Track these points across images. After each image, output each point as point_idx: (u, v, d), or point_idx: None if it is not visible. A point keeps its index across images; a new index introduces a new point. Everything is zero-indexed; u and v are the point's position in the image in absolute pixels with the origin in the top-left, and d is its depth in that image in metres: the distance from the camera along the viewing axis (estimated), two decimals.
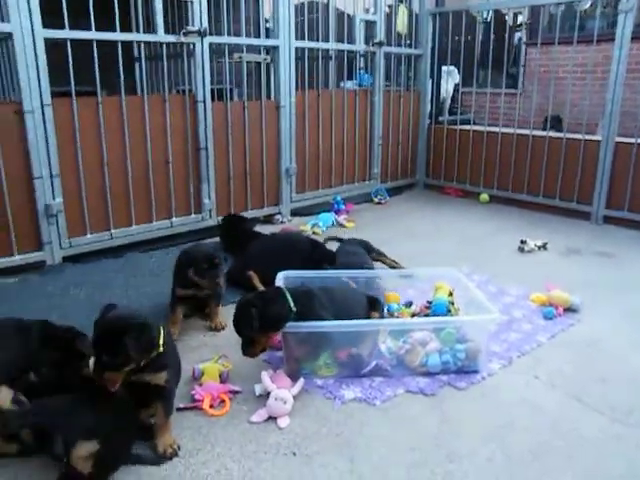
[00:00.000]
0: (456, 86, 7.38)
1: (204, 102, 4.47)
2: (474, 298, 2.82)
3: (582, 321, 3.14)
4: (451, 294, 2.95)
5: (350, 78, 6.36)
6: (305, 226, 4.84)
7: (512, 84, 9.69)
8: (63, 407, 1.90)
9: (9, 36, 3.55)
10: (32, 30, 3.59)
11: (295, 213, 5.31)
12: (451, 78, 7.10)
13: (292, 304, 2.39)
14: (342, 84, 6.38)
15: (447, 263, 3.64)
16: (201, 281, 2.88)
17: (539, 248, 4.38)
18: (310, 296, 2.48)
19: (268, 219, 4.96)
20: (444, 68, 6.70)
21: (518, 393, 2.44)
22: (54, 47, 3.78)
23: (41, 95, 3.69)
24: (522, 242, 4.37)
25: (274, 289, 2.54)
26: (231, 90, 5.47)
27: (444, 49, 6.42)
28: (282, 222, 5.00)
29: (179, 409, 2.25)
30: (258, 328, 2.33)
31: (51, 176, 3.81)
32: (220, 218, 4.58)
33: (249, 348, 2.40)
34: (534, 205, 5.64)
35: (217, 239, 4.46)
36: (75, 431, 1.79)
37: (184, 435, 2.12)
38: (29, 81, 3.63)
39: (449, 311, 2.88)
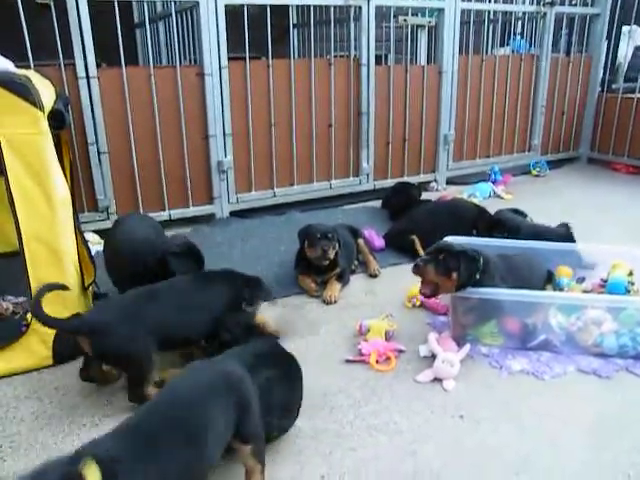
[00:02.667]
0: (637, 50, 6.64)
1: (367, 66, 4.49)
2: None
3: None
4: (631, 273, 2.74)
5: (505, 44, 6.00)
6: (461, 195, 4.72)
7: None
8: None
9: (196, 5, 3.81)
10: None
11: (450, 182, 5.20)
12: (632, 40, 6.38)
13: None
14: (499, 51, 6.01)
15: (615, 242, 3.36)
16: (312, 252, 2.97)
17: None
18: (487, 263, 2.42)
19: (424, 186, 4.91)
20: (625, 28, 6.06)
21: None
22: (228, 14, 4.00)
23: (220, 58, 3.94)
24: None
25: (475, 251, 2.41)
26: (386, 56, 5.44)
27: (629, 5, 5.77)
28: (437, 190, 4.92)
29: (347, 360, 2.36)
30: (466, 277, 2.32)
31: (224, 135, 4.08)
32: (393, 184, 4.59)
33: (431, 272, 2.34)
34: None
35: (373, 203, 4.50)
36: None
37: (353, 385, 2.21)
38: (210, 45, 3.88)
39: (628, 291, 2.68)
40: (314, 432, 1.97)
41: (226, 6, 3.89)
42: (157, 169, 3.93)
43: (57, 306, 2.07)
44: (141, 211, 3.91)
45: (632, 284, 2.71)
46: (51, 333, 2.29)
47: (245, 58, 4.07)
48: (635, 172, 5.70)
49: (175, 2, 3.90)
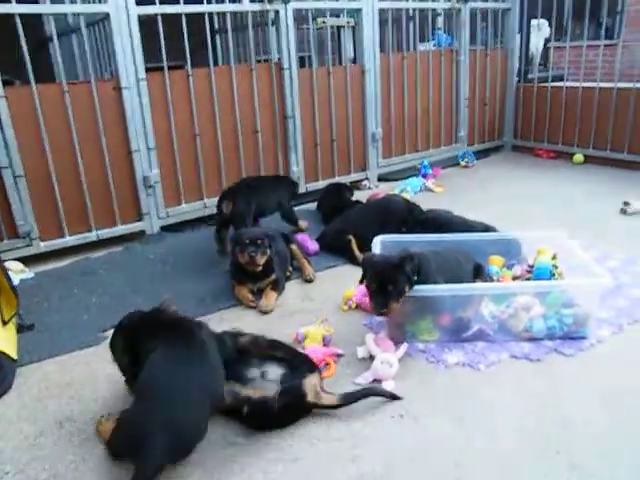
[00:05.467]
0: (546, 41, 6.94)
1: (290, 69, 4.48)
2: (578, 262, 2.69)
3: None
4: (554, 257, 2.84)
5: (427, 40, 6.13)
6: (393, 192, 4.78)
7: (606, 35, 8.97)
8: None
9: (107, 16, 3.69)
10: (127, 9, 3.71)
11: (382, 179, 5.26)
12: (541, 32, 6.68)
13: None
14: (420, 46, 6.13)
15: (541, 227, 3.50)
16: (242, 257, 2.94)
17: None
18: (426, 260, 2.45)
19: (355, 185, 4.94)
20: (533, 22, 6.32)
21: (633, 362, 2.32)
22: (143, 24, 3.89)
23: (136, 70, 3.83)
24: (625, 204, 4.11)
25: (409, 252, 2.41)
26: (309, 57, 5.44)
27: (533, 1, 6.02)
28: (369, 188, 4.97)
29: None
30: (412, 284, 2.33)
31: (148, 149, 3.97)
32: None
33: (389, 302, 2.32)
34: (636, 164, 5.28)
35: (306, 206, 4.50)
36: None
37: None
38: (125, 58, 3.78)
39: (553, 275, 2.77)
40: (256, 448, 1.93)
41: (139, 16, 3.79)
42: (79, 189, 3.78)
43: None
44: (66, 233, 3.76)
45: (556, 267, 2.81)
46: None
47: (165, 68, 3.98)
48: (555, 157, 5.96)
49: (83, 14, 3.75)
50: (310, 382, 2.02)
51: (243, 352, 2.13)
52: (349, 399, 2.06)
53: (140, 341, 1.99)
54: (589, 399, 2.10)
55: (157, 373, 1.85)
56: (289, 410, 1.98)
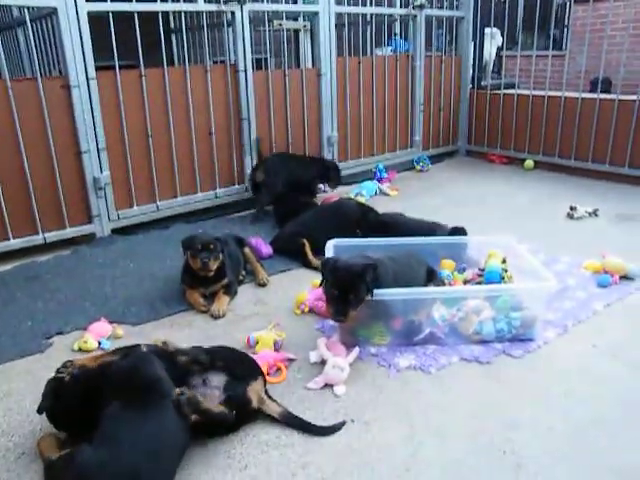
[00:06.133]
0: (499, 50, 7.12)
1: (245, 72, 4.44)
2: (527, 265, 2.76)
3: None
4: (504, 261, 2.90)
5: (385, 44, 6.20)
6: (348, 195, 4.80)
7: (554, 46, 9.30)
8: None
9: (54, 11, 3.57)
10: (75, 4, 3.61)
11: None
12: (494, 41, 6.84)
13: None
14: (378, 51, 6.21)
15: (493, 231, 3.57)
16: (194, 263, 2.91)
17: (590, 215, 4.25)
18: (384, 267, 2.45)
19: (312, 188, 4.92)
20: (487, 30, 6.47)
21: (577, 362, 2.39)
22: (95, 22, 3.79)
23: (86, 69, 3.73)
24: (571, 208, 4.25)
25: (370, 261, 2.41)
26: (266, 60, 5.42)
27: (487, 10, 6.18)
28: (325, 191, 4.96)
29: None
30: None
31: (98, 149, 3.86)
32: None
33: (348, 310, 2.32)
34: (582, 171, 5.46)
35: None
36: None
37: None
38: (74, 55, 3.67)
39: (502, 278, 2.83)
40: (205, 457, 1.89)
41: (89, 13, 3.69)
42: (25, 190, 3.64)
43: None
44: (10, 236, 3.62)
45: (506, 271, 2.87)
46: None
47: (118, 67, 3.88)
48: (507, 162, 6.10)
49: (29, 8, 3.62)
50: (254, 389, 2.00)
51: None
52: (290, 421, 2.02)
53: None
54: (535, 399, 2.15)
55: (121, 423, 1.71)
56: (234, 417, 1.94)
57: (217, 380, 1.97)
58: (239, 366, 2.07)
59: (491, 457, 1.86)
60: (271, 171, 4.30)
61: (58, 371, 1.97)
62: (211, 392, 1.93)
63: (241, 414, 1.95)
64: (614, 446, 1.90)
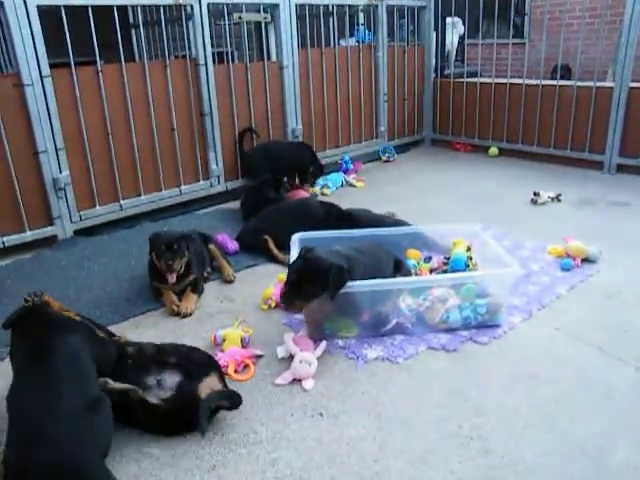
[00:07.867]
0: (461, 38, 7.17)
1: (206, 65, 4.37)
2: (491, 252, 2.79)
3: (601, 272, 3.10)
4: (469, 249, 2.93)
5: (350, 35, 6.19)
6: (314, 187, 4.79)
7: (516, 34, 9.41)
8: None
9: (0, 5, 3.44)
10: None
11: None
12: (455, 30, 6.89)
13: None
14: (342, 42, 6.19)
15: (459, 219, 3.62)
16: (159, 264, 2.87)
17: (552, 200, 4.32)
18: (355, 263, 2.44)
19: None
20: (448, 20, 6.50)
21: (541, 345, 2.43)
22: (48, 17, 3.68)
23: (39, 66, 3.61)
24: (535, 194, 4.31)
25: (341, 264, 2.36)
26: (232, 53, 5.35)
27: None
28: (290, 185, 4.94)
29: None
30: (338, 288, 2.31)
31: (56, 149, 3.76)
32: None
33: (295, 298, 2.33)
34: (545, 156, 5.55)
35: (229, 205, 4.43)
36: None
37: None
38: (25, 52, 3.54)
39: (467, 266, 2.86)
40: (172, 458, 1.87)
41: (39, 7, 3.56)
42: None
43: None
44: None
45: (470, 259, 2.90)
46: None
47: (75, 64, 3.76)
48: (472, 150, 6.16)
49: None
50: (206, 386, 1.98)
51: (137, 360, 2.05)
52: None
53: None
54: (501, 384, 2.18)
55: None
56: (184, 415, 1.92)
57: (171, 380, 1.96)
58: (191, 363, 2.05)
59: (458, 444, 1.88)
60: (257, 157, 4.64)
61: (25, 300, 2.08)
62: (165, 393, 1.93)
63: (192, 412, 1.91)
64: (578, 423, 1.94)
